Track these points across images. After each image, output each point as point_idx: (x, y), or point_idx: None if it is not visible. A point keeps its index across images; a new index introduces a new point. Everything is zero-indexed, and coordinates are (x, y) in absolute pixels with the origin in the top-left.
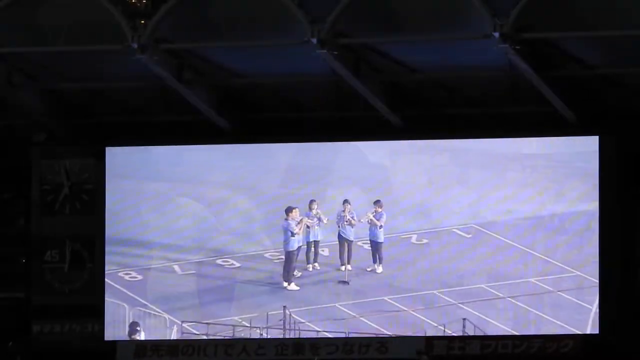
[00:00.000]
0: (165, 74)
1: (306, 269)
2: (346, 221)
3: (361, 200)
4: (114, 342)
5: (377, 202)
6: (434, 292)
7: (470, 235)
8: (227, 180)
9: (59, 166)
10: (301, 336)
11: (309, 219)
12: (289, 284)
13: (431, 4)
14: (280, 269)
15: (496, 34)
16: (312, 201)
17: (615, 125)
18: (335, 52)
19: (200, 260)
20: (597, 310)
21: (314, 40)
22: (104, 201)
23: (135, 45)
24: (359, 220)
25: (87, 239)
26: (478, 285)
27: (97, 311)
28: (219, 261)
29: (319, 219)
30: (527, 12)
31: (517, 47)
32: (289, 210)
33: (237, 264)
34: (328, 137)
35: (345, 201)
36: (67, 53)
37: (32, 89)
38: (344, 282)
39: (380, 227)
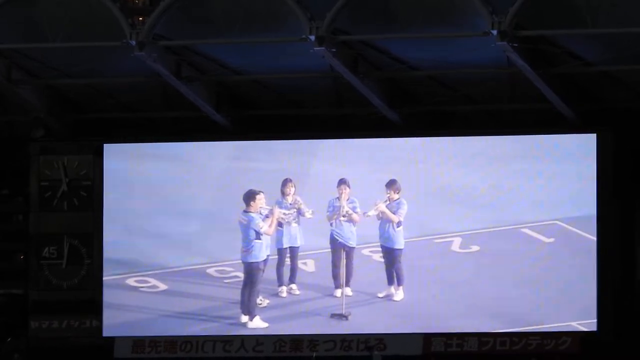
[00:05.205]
0: (164, 70)
1: (278, 294)
2: (343, 215)
3: (367, 182)
4: (112, 338)
5: (391, 184)
6: (489, 332)
7: (551, 240)
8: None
9: (57, 162)
10: None
11: (282, 210)
12: (250, 319)
13: (430, 1)
14: (235, 295)
15: (494, 32)
16: (286, 181)
17: (613, 123)
18: (334, 49)
19: (104, 279)
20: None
21: (312, 37)
22: (102, 198)
23: (134, 42)
24: (364, 214)
25: (85, 235)
26: (567, 323)
27: (94, 307)
28: (131, 281)
29: (299, 211)
30: (525, 9)
31: (515, 44)
32: (250, 196)
33: (162, 286)
34: (326, 134)
35: (342, 182)
36: (66, 50)
37: (30, 86)
38: (341, 317)
39: (399, 224)
